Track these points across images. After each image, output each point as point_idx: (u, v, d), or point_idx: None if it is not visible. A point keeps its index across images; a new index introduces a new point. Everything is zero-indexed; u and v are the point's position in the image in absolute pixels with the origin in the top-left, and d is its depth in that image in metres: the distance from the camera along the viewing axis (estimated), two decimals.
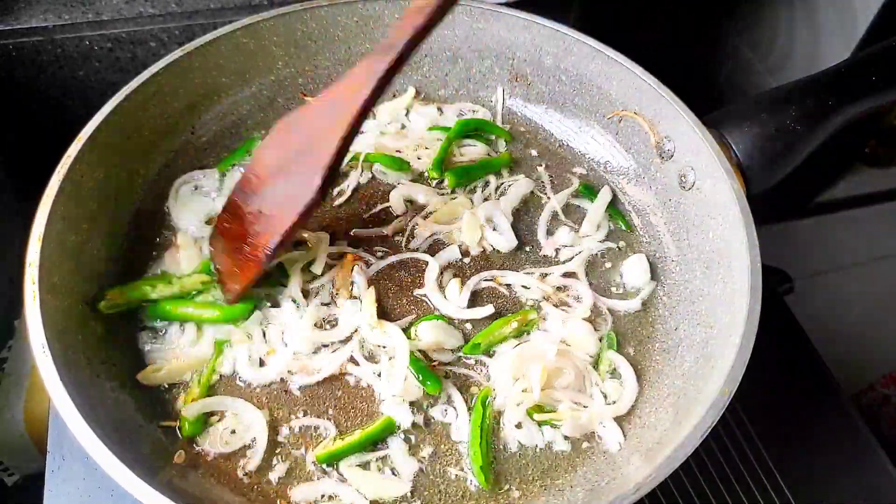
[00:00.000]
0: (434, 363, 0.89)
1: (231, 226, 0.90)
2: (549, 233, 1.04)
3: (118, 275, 0.92)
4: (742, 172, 0.96)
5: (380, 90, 0.80)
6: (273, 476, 0.80)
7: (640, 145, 1.07)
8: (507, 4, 1.12)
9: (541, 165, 1.11)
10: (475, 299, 0.96)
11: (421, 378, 0.85)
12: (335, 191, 1.05)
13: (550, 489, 0.82)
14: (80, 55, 1.17)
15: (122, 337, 0.88)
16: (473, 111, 1.16)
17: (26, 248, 0.79)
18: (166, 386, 0.86)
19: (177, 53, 0.99)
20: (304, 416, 0.85)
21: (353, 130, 0.81)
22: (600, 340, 0.93)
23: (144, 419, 0.82)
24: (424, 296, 0.95)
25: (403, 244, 1.00)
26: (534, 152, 1.13)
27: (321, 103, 0.85)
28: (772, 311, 0.84)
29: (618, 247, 1.03)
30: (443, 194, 1.05)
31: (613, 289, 0.99)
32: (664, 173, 1.04)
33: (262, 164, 0.88)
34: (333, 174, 0.83)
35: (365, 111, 0.81)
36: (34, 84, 1.19)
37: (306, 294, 0.93)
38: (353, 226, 1.01)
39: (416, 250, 0.99)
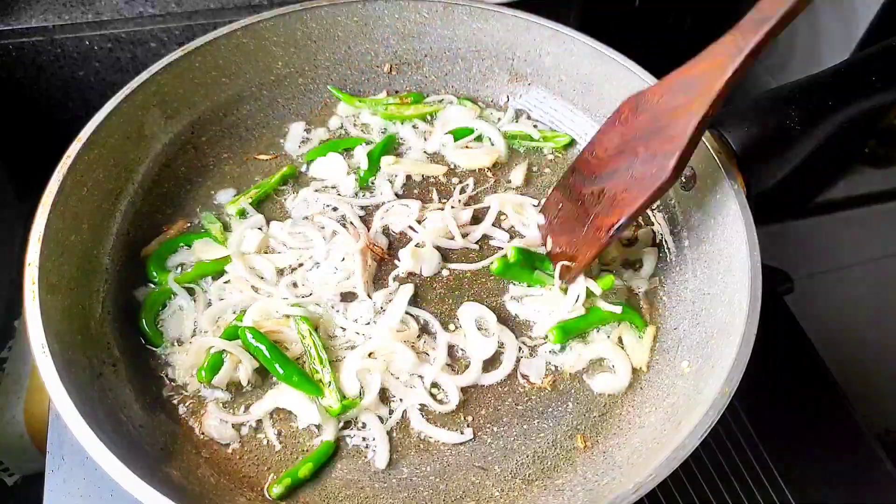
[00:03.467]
0: None
1: (564, 207, 0.88)
2: None
3: (118, 275, 0.92)
4: (742, 172, 0.95)
5: (743, 69, 0.74)
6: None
7: None
8: (507, 4, 1.12)
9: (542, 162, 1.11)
10: None
11: None
12: None
13: (550, 489, 0.82)
14: (80, 55, 1.18)
15: (123, 336, 0.88)
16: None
17: (26, 248, 0.79)
18: (168, 386, 0.86)
19: (177, 53, 0.99)
20: None
21: (711, 110, 0.76)
22: None
23: (145, 419, 0.82)
24: None
25: None
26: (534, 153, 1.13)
27: (673, 82, 0.80)
28: (772, 311, 0.84)
29: None
30: None
31: None
32: None
33: (602, 146, 0.87)
34: (686, 156, 0.79)
35: (725, 91, 0.75)
36: (34, 84, 1.19)
37: None
38: None
39: None
